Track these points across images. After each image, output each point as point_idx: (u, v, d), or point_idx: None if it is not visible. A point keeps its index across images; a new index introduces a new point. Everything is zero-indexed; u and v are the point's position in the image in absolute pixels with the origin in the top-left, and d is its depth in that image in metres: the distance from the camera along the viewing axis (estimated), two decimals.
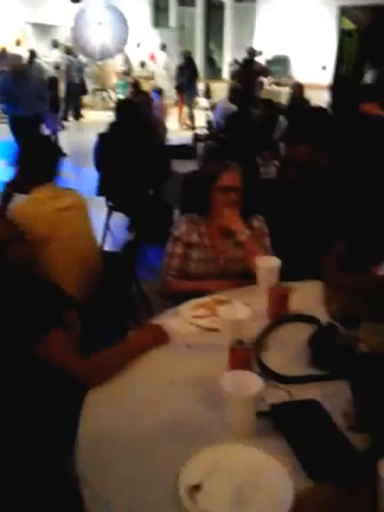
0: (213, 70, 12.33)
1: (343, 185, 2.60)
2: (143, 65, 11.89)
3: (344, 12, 9.38)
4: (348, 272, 1.79)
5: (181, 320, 1.73)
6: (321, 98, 7.17)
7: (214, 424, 1.25)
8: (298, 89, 7.06)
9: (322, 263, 2.05)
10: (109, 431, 1.24)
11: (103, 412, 1.31)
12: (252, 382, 1.22)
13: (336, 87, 8.01)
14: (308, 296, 1.86)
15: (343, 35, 9.60)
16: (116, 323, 2.37)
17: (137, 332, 1.61)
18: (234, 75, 8.20)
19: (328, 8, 9.34)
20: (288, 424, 1.23)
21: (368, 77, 6.46)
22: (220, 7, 11.38)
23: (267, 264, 1.91)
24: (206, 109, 7.89)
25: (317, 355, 1.44)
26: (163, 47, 11.37)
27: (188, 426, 1.26)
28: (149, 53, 11.94)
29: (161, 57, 11.43)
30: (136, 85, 7.91)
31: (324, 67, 9.51)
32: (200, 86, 10.68)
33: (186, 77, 9.70)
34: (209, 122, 6.23)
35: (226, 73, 10.78)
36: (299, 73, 9.32)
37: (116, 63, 11.88)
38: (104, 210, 4.19)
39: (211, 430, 1.23)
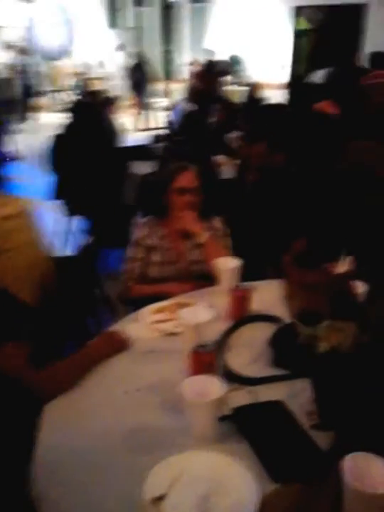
0: (171, 70, 12.31)
1: (299, 183, 2.62)
2: (99, 66, 11.75)
3: (299, 12, 9.53)
4: (307, 269, 1.80)
5: (142, 325, 1.70)
6: (279, 97, 7.25)
7: (177, 431, 1.22)
8: (253, 88, 7.13)
9: (281, 261, 2.06)
10: (68, 445, 1.20)
11: (61, 426, 1.26)
12: (214, 386, 1.20)
13: (292, 86, 8.12)
14: (269, 296, 1.86)
15: (298, 35, 9.77)
16: (78, 329, 2.31)
17: (96, 340, 1.57)
18: (194, 75, 8.19)
19: (283, 8, 9.47)
20: (251, 427, 1.22)
21: (318, 76, 6.56)
22: (176, 7, 11.39)
23: (228, 265, 1.89)
24: (167, 109, 7.85)
25: (278, 354, 1.44)
26: (121, 47, 11.27)
27: (151, 435, 1.23)
28: (105, 54, 11.82)
29: (119, 57, 11.31)
30: (88, 86, 7.80)
31: (283, 67, 9.64)
32: (159, 86, 10.64)
33: (138, 78, 9.61)
34: (170, 122, 6.20)
35: (184, 73, 10.76)
36: (257, 73, 9.41)
37: (71, 64, 11.70)
38: (63, 213, 4.10)
39: (174, 438, 1.21)
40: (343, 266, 1.38)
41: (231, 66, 9.23)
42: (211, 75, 7.78)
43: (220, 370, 1.42)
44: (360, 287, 1.46)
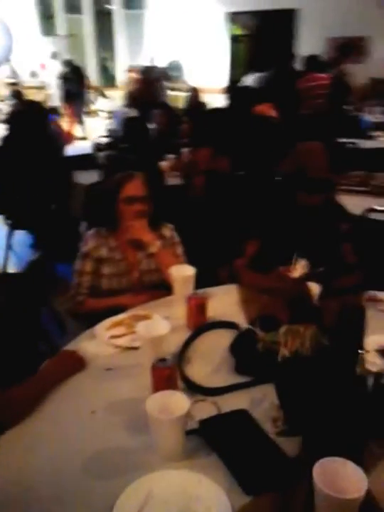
0: (107, 77, 12.16)
1: (246, 187, 2.65)
2: (33, 75, 11.43)
3: (233, 18, 9.69)
4: (262, 273, 1.81)
5: (98, 342, 1.64)
6: (219, 102, 7.33)
7: (143, 451, 1.18)
8: (194, 93, 7.17)
9: (234, 266, 2.06)
10: (29, 474, 1.13)
11: (20, 455, 1.19)
12: (178, 401, 1.17)
13: (231, 91, 8.23)
14: (225, 302, 1.86)
15: (234, 40, 9.93)
16: (28, 351, 2.21)
17: (50, 361, 1.50)
18: (133, 82, 8.14)
19: (218, 14, 9.60)
20: (218, 440, 1.20)
21: (250, 80, 6.69)
22: (109, 14, 11.28)
23: (182, 274, 1.87)
24: (107, 117, 7.72)
25: (240, 362, 1.43)
26: (55, 55, 11.01)
27: (116, 457, 1.18)
28: (40, 63, 11.51)
29: (53, 66, 11.04)
30: (19, 95, 7.58)
31: (221, 72, 9.76)
32: (97, 94, 10.47)
33: (71, 87, 9.38)
34: (111, 130, 6.11)
35: (122, 80, 10.66)
36: (195, 78, 9.47)
37: (2, 74, 11.29)
38: (4, 228, 3.93)
39: (142, 458, 1.17)
40: (297, 269, 1.39)
41: (168, 72, 9.22)
42: (149, 80, 7.76)
43: (182, 382, 1.39)
44: (316, 289, 1.48)
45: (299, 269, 1.39)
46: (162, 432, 1.15)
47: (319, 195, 1.80)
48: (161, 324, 1.55)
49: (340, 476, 0.95)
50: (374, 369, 1.30)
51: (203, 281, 1.91)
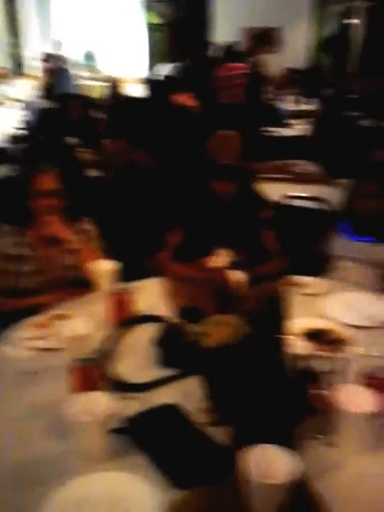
0: (21, 65, 11.57)
1: (165, 178, 2.62)
2: None
3: (149, 6, 9.56)
4: (184, 263, 1.79)
5: (16, 345, 1.54)
6: (138, 92, 7.22)
7: (69, 455, 1.12)
8: (113, 83, 7.01)
9: (157, 257, 2.03)
10: None
11: None
12: (101, 401, 1.12)
13: (149, 81, 8.14)
14: (150, 295, 1.82)
15: (150, 29, 9.81)
16: None
17: None
18: (47, 71, 7.79)
19: (132, 3, 9.42)
20: (147, 436, 1.16)
21: (166, 70, 6.67)
22: None
23: (103, 268, 1.80)
24: (21, 107, 7.33)
25: (167, 355, 1.40)
26: None
27: (41, 465, 1.11)
28: None
29: None
30: None
31: (138, 62, 9.62)
32: (7, 82, 9.93)
33: None
34: (26, 122, 5.82)
35: (35, 68, 10.19)
36: (112, 68, 9.27)
37: None
38: None
39: (67, 463, 1.11)
40: (218, 259, 1.38)
41: (80, 60, 8.88)
42: (55, 69, 7.45)
43: (108, 381, 1.34)
44: (240, 277, 1.48)
45: (221, 258, 1.38)
46: (84, 435, 1.10)
47: (232, 182, 1.81)
48: (82, 323, 1.48)
49: (270, 461, 0.95)
50: (300, 352, 1.32)
51: (128, 275, 1.86)
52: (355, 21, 7.85)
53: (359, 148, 3.03)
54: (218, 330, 1.17)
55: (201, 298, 1.23)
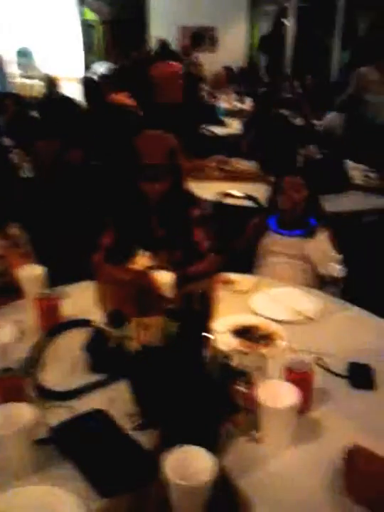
0: None
1: (98, 178, 2.58)
2: None
3: (84, 3, 9.38)
4: (115, 264, 1.76)
5: None
6: (75, 91, 7.08)
7: None
8: (49, 81, 6.85)
9: (91, 260, 1.99)
10: None
11: None
12: (23, 412, 1.09)
13: (86, 79, 8.00)
14: (81, 299, 1.78)
15: (87, 27, 9.63)
16: None
17: None
18: None
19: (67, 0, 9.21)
20: (72, 445, 1.13)
21: (102, 68, 6.59)
22: None
23: (30, 274, 1.75)
24: None
25: (94, 360, 1.37)
26: None
27: None
28: None
29: None
30: None
31: (75, 60, 9.42)
32: None
33: None
34: None
35: None
36: (48, 66, 9.03)
37: None
38: None
39: None
40: (140, 260, 1.36)
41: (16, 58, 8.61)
42: None
43: (34, 390, 1.30)
44: (167, 278, 1.47)
45: (144, 259, 1.37)
46: (7, 447, 1.05)
47: (160, 182, 1.80)
48: (8, 331, 1.43)
49: (190, 463, 0.94)
50: (228, 349, 1.33)
51: (60, 278, 1.82)
52: (289, 21, 8.05)
53: (289, 146, 3.10)
54: (142, 333, 1.15)
55: (125, 301, 1.21)
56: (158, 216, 1.83)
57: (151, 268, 1.36)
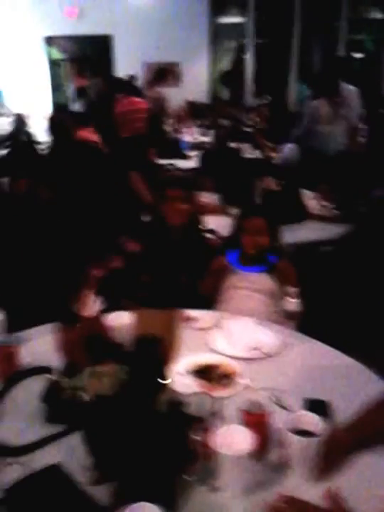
0: None
1: (65, 217, 2.56)
2: None
3: (50, 42, 9.51)
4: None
5: None
6: (43, 127, 7.10)
7: None
8: (19, 120, 6.87)
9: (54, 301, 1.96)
10: None
11: None
12: None
13: (53, 116, 8.04)
14: (42, 344, 1.73)
15: (53, 65, 9.75)
16: None
17: None
18: None
19: (34, 39, 9.33)
20: (27, 506, 1.09)
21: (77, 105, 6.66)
22: None
23: None
24: None
25: (49, 411, 1.34)
26: None
27: None
28: None
29: None
30: None
31: (42, 97, 9.49)
32: None
33: None
34: None
35: None
36: (16, 104, 9.07)
37: None
38: None
39: None
40: (89, 306, 1.35)
41: None
42: None
43: None
44: (117, 320, 1.45)
45: (91, 306, 1.35)
46: None
47: None
48: None
49: None
50: (187, 391, 1.31)
51: (20, 323, 1.78)
52: (248, 56, 8.33)
53: (245, 180, 3.16)
54: (94, 383, 1.13)
55: (75, 349, 1.19)
56: None
57: (103, 312, 1.34)
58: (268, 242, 2.12)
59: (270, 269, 2.11)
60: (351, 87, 4.19)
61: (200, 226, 2.33)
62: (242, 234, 2.14)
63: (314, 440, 1.11)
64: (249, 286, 2.08)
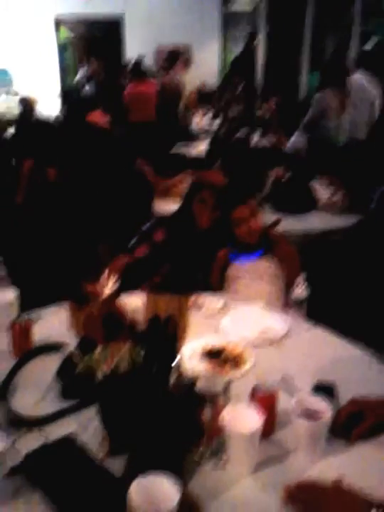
0: None
1: (74, 198, 2.59)
2: None
3: (59, 23, 9.46)
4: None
5: None
6: (53, 110, 7.11)
7: None
8: (27, 103, 6.86)
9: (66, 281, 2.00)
10: None
11: None
12: None
13: (63, 98, 8.05)
14: (56, 323, 1.78)
15: (63, 47, 9.71)
16: None
17: None
18: None
19: (44, 20, 9.26)
20: (43, 473, 1.14)
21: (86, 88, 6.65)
22: None
23: (2, 298, 1.76)
24: None
25: (65, 386, 1.39)
26: None
27: None
28: None
29: None
30: None
31: (51, 80, 9.46)
32: None
33: None
34: None
35: None
36: (26, 87, 9.04)
37: None
38: None
39: None
40: (106, 286, 1.39)
41: None
42: None
43: (5, 417, 1.31)
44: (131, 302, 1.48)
45: (108, 286, 1.39)
46: None
47: None
48: None
49: (156, 490, 0.97)
50: (195, 372, 1.36)
51: (35, 301, 1.83)
52: (259, 43, 8.27)
53: (255, 169, 3.17)
54: (109, 358, 1.18)
55: (92, 327, 1.24)
56: None
57: (118, 292, 1.38)
58: (261, 223, 2.11)
59: (269, 249, 2.09)
60: (364, 77, 4.10)
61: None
62: (234, 228, 2.12)
63: (322, 423, 1.15)
64: (251, 274, 2.10)
